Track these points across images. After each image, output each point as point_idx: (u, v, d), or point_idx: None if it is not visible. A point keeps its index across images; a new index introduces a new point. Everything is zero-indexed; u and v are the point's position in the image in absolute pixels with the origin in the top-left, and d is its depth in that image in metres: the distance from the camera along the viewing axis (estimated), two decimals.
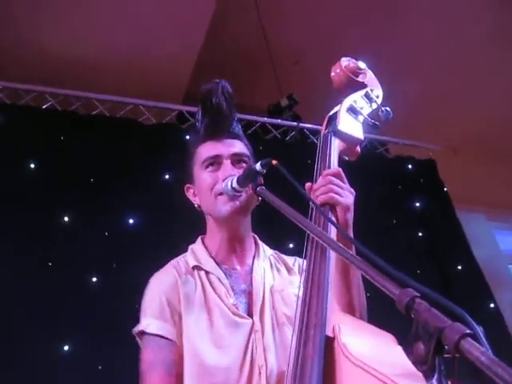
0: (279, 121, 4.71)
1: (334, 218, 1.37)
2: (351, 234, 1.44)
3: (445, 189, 5.08)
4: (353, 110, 1.65)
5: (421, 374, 0.73)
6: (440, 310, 0.73)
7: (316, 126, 4.74)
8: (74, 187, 3.68)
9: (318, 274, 1.19)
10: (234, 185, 1.51)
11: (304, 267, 1.27)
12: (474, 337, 0.66)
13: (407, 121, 4.83)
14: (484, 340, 0.67)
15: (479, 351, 0.63)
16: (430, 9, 4.78)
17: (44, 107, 4.03)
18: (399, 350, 0.98)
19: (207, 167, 1.68)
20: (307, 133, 4.78)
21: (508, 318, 4.91)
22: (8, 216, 3.41)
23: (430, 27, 4.90)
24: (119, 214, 3.73)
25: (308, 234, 1.29)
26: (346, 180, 1.46)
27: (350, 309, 1.40)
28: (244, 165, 1.69)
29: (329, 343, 1.05)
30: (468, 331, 0.66)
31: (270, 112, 4.82)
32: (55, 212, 3.59)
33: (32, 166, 3.71)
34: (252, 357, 1.52)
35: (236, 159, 1.69)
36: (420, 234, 4.71)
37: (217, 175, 1.65)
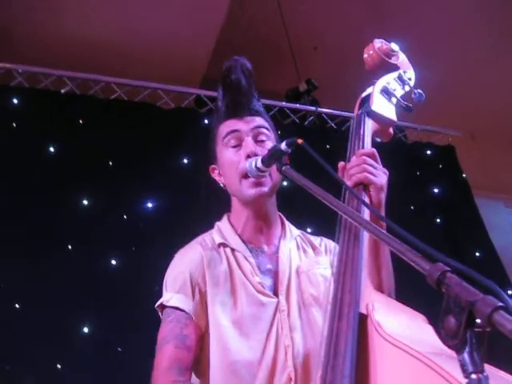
0: (297, 105, 4.69)
1: (367, 198, 1.37)
2: (383, 214, 1.43)
3: (463, 175, 5.05)
4: (386, 92, 1.64)
5: (453, 353, 0.72)
6: (472, 284, 0.72)
7: (334, 111, 4.73)
8: (92, 171, 3.70)
9: (351, 253, 1.19)
10: (259, 165, 1.49)
11: (336, 248, 1.27)
12: (507, 310, 0.66)
13: (426, 107, 4.79)
14: None
15: None
16: None
17: (63, 91, 4.03)
18: (431, 329, 0.98)
19: (228, 144, 1.68)
20: (326, 118, 4.76)
21: None
22: (27, 200, 3.43)
23: (446, 15, 4.85)
24: (138, 198, 3.75)
25: (340, 216, 1.29)
26: (379, 160, 1.45)
27: (379, 289, 1.40)
28: (265, 139, 1.68)
29: (362, 321, 1.05)
30: (500, 304, 0.66)
31: (288, 97, 4.80)
32: (74, 195, 3.61)
33: (51, 149, 3.73)
34: (277, 337, 1.52)
35: (257, 133, 1.68)
36: (438, 221, 4.70)
37: (239, 153, 1.64)
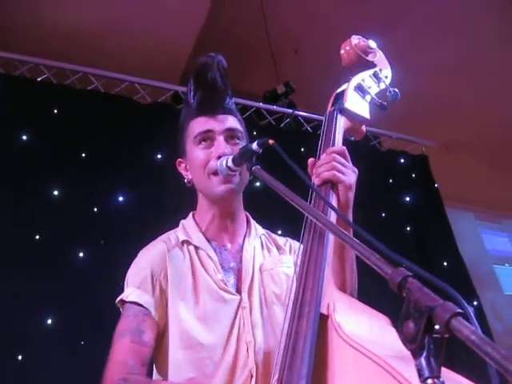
0: (274, 107, 4.71)
1: (335, 197, 1.36)
2: (351, 214, 1.44)
3: (435, 185, 5.10)
4: (360, 89, 1.63)
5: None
6: (432, 290, 0.73)
7: (311, 115, 4.74)
8: (64, 161, 3.66)
9: (315, 252, 1.18)
10: (230, 164, 1.48)
11: (301, 247, 1.26)
12: (465, 316, 0.66)
13: (402, 116, 4.83)
14: (474, 320, 0.67)
15: (469, 330, 0.63)
16: (431, 3, 4.78)
17: (39, 79, 3.98)
18: (393, 332, 0.97)
19: (200, 143, 1.65)
20: (302, 121, 4.78)
21: (490, 316, 4.96)
22: None
23: (431, 23, 4.89)
24: (109, 191, 3.71)
25: (306, 216, 1.28)
26: (349, 159, 1.44)
27: (342, 289, 1.40)
28: (237, 141, 1.66)
29: (323, 321, 1.04)
30: (459, 310, 0.66)
31: (265, 98, 4.81)
32: (45, 185, 3.56)
33: (23, 137, 3.68)
34: (239, 333, 1.51)
35: (229, 135, 1.66)
36: (408, 229, 4.74)
37: (210, 152, 1.62)
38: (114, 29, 4.44)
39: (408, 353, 0.72)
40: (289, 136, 4.52)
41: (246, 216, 1.80)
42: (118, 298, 1.57)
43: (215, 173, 1.59)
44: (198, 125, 1.67)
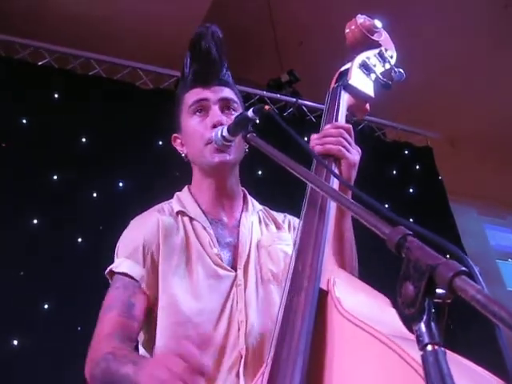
0: (278, 95, 4.66)
1: (337, 172, 1.32)
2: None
3: (440, 178, 5.05)
4: (365, 67, 1.59)
5: (413, 337, 0.67)
6: (434, 249, 0.68)
7: (315, 104, 4.69)
8: (64, 146, 3.62)
9: (315, 227, 1.13)
10: (225, 133, 1.44)
11: (300, 222, 1.22)
12: (470, 275, 0.61)
13: (408, 107, 4.79)
14: (480, 278, 0.62)
15: (475, 289, 0.58)
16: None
17: (40, 64, 3.94)
18: (393, 312, 0.93)
19: (194, 113, 1.61)
20: (305, 110, 4.72)
21: None
22: None
23: (439, 14, 4.84)
24: (110, 177, 3.67)
25: (306, 190, 1.24)
26: (353, 138, 1.40)
27: (341, 264, 1.36)
28: (233, 112, 1.61)
29: (322, 296, 1.00)
30: (463, 269, 0.61)
31: (269, 86, 4.77)
32: (44, 169, 3.53)
33: (24, 121, 3.64)
34: (231, 312, 1.46)
35: (224, 104, 1.61)
36: (411, 220, 4.68)
37: (205, 122, 1.58)
38: (116, 14, 4.39)
39: (407, 333, 0.67)
40: (292, 125, 4.43)
41: (243, 191, 1.75)
42: (108, 269, 1.52)
43: (210, 142, 1.54)
44: (192, 95, 1.63)
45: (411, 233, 0.72)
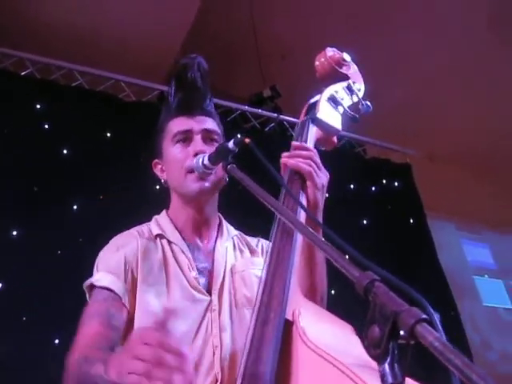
0: (259, 111, 4.70)
1: (304, 196, 1.37)
2: (321, 216, 1.44)
3: (418, 194, 5.11)
4: (333, 100, 1.63)
5: (377, 366, 0.71)
6: (399, 295, 0.72)
7: (296, 120, 4.72)
8: (45, 157, 3.62)
9: (282, 256, 1.17)
10: (206, 162, 1.48)
11: (268, 248, 1.25)
12: (430, 323, 0.65)
13: (387, 124, 4.85)
14: (440, 326, 0.66)
15: (433, 336, 0.62)
16: (417, 15, 4.81)
17: (23, 74, 3.94)
18: (357, 340, 0.96)
19: (177, 142, 1.65)
20: (287, 125, 4.77)
21: (468, 328, 4.97)
22: None
23: (418, 33, 4.91)
24: (90, 188, 3.67)
25: (276, 217, 1.28)
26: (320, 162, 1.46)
27: (311, 292, 1.40)
28: (215, 143, 1.65)
29: (287, 327, 1.03)
30: (424, 316, 0.65)
31: (251, 101, 4.81)
32: (24, 181, 3.51)
33: (5, 131, 3.63)
34: (206, 336, 1.49)
35: (207, 136, 1.65)
36: (389, 237, 4.74)
37: (187, 150, 1.62)
38: (100, 26, 4.41)
39: (372, 362, 0.71)
40: (273, 140, 4.50)
41: (219, 217, 1.79)
42: (88, 282, 1.53)
43: (191, 171, 1.58)
44: (177, 125, 1.67)
45: (378, 278, 0.76)
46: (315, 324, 1.02)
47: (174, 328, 1.47)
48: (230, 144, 1.38)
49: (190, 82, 1.67)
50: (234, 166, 1.33)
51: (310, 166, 1.40)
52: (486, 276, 6.52)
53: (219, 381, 1.43)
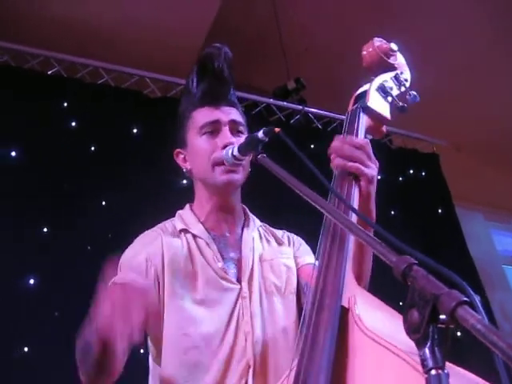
0: (284, 103, 4.69)
1: (356, 189, 1.36)
2: (373, 206, 1.43)
3: (446, 184, 5.07)
4: (383, 90, 1.62)
5: None
6: (438, 278, 0.71)
7: (321, 112, 4.73)
8: (73, 156, 3.66)
9: (338, 241, 1.17)
10: (235, 153, 1.48)
11: (298, 240, 1.25)
12: (471, 305, 0.65)
13: (414, 114, 4.79)
14: (481, 308, 0.65)
15: (475, 319, 0.62)
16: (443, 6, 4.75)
17: (50, 73, 3.98)
18: None
19: (205, 133, 1.64)
20: (312, 117, 4.76)
21: (498, 317, 4.93)
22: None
23: (444, 22, 4.85)
24: (118, 185, 3.69)
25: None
26: (371, 151, 1.43)
27: (358, 281, 1.39)
28: (241, 134, 1.65)
29: (343, 314, 1.03)
30: (465, 299, 0.65)
31: (275, 94, 4.78)
32: (55, 180, 3.55)
33: (33, 129, 3.66)
34: (238, 323, 1.51)
35: (234, 127, 1.65)
36: (418, 227, 4.71)
37: (215, 142, 1.61)
38: (124, 22, 4.42)
39: None
40: (298, 132, 4.50)
41: (244, 208, 1.80)
42: (110, 282, 1.53)
43: (219, 163, 1.58)
44: (203, 116, 1.66)
45: (416, 262, 0.75)
46: (370, 311, 1.02)
47: (206, 319, 1.49)
48: (260, 134, 1.37)
49: (216, 71, 1.66)
50: (265, 155, 1.33)
51: (358, 161, 1.36)
52: None
53: (251, 367, 1.46)
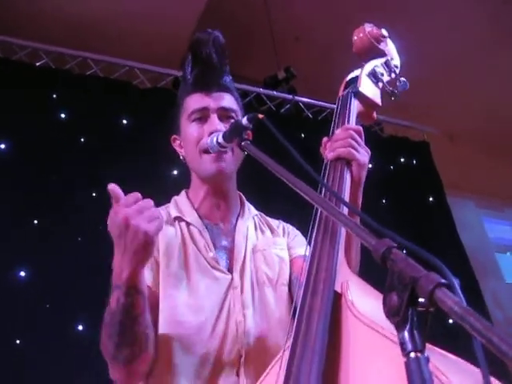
0: (274, 92, 4.68)
1: (348, 174, 1.37)
2: (361, 193, 1.45)
3: (437, 172, 5.07)
4: (374, 75, 1.64)
5: None
6: (417, 261, 0.71)
7: (311, 101, 4.71)
8: (63, 148, 3.64)
9: (331, 227, 1.17)
10: (220, 140, 1.48)
11: (294, 231, 1.24)
12: (449, 287, 0.64)
13: (405, 102, 4.79)
14: (459, 291, 0.65)
15: (453, 301, 0.61)
16: None
17: (38, 64, 3.95)
18: None
19: (194, 120, 1.64)
20: (302, 106, 4.74)
21: (490, 305, 4.95)
22: None
23: (436, 11, 4.84)
24: (107, 177, 3.67)
25: (321, 189, 1.28)
26: (363, 138, 1.45)
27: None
28: (231, 120, 1.63)
29: (336, 299, 1.03)
30: (443, 281, 0.64)
31: (266, 83, 4.78)
32: (44, 171, 3.54)
33: (22, 121, 3.64)
34: (229, 313, 1.50)
35: (223, 114, 1.64)
36: (409, 216, 4.71)
37: (203, 129, 1.61)
38: (114, 12, 4.40)
39: None
40: (289, 122, 4.49)
41: (240, 196, 1.79)
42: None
43: (206, 151, 1.57)
44: (193, 102, 1.66)
45: (396, 245, 0.75)
46: (363, 297, 1.02)
47: (198, 308, 1.49)
48: (244, 120, 1.37)
49: (205, 57, 1.65)
50: (249, 142, 1.33)
51: (350, 146, 1.38)
52: (509, 253, 6.48)
53: (243, 356, 1.45)
